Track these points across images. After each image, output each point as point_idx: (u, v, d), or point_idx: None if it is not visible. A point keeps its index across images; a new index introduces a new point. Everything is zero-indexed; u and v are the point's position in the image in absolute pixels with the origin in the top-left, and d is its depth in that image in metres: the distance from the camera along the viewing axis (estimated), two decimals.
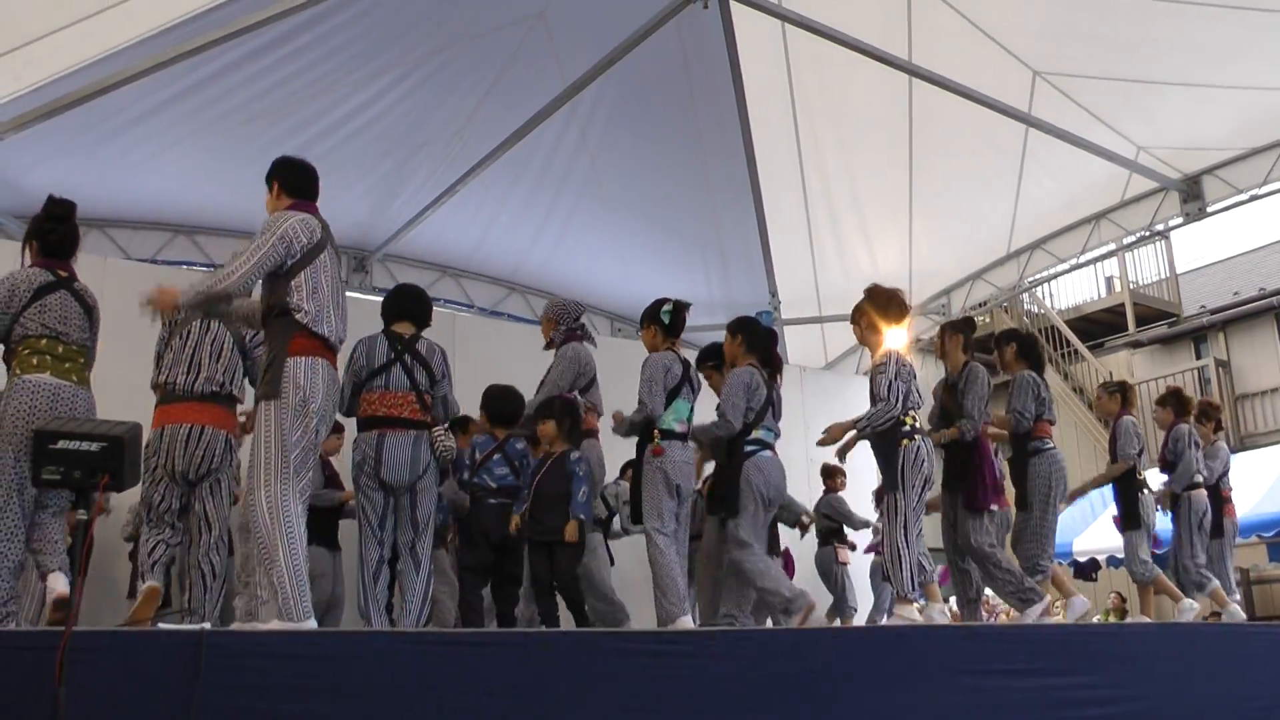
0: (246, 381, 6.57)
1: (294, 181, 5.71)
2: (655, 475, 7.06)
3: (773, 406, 7.35)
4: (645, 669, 5.23)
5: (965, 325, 8.55)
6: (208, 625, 5.24)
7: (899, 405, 7.10)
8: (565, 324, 8.29)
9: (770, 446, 7.30)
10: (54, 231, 6.04)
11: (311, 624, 5.08)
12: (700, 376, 7.62)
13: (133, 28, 8.85)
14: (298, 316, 5.26)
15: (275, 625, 4.99)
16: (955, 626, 6.93)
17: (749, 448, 7.20)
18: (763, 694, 5.49)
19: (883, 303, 7.44)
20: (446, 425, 7.01)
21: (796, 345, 14.71)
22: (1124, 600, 16.13)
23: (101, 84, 9.04)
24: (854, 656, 6.03)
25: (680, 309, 7.53)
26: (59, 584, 5.63)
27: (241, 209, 11.71)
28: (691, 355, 7.81)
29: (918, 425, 7.21)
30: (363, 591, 6.60)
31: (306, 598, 5.05)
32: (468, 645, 5.06)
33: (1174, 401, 9.80)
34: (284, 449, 5.13)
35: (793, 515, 9.86)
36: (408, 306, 6.98)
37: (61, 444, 4.31)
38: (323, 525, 8.77)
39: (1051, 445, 8.30)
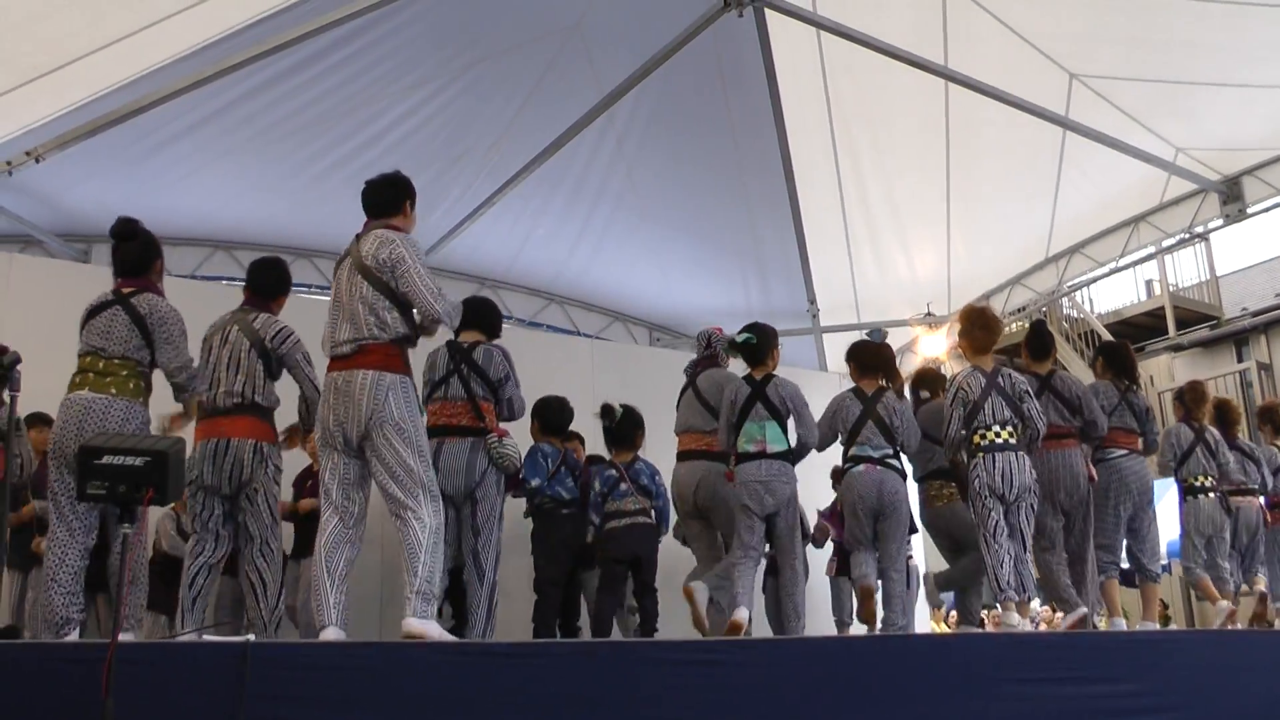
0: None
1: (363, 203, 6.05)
2: (731, 498, 7.39)
3: (876, 421, 7.58)
4: (688, 678, 5.23)
5: (1026, 339, 8.62)
6: (252, 637, 5.27)
7: (952, 433, 7.47)
8: (698, 353, 8.52)
9: (866, 460, 7.56)
10: (118, 250, 6.13)
11: (332, 634, 5.33)
12: (786, 395, 7.57)
13: (171, 46, 8.93)
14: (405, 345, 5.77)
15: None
16: (997, 634, 6.90)
17: (845, 465, 7.63)
18: (804, 702, 5.48)
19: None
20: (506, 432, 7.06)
21: (836, 353, 14.64)
22: (1167, 607, 16.01)
23: (141, 102, 9.14)
24: (895, 664, 6.02)
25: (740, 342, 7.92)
26: None
27: (280, 223, 11.80)
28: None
29: (997, 441, 7.32)
30: None
31: (323, 608, 5.39)
32: (511, 656, 5.07)
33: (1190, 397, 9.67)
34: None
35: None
36: (470, 316, 7.02)
37: (106, 459, 4.33)
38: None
39: (1115, 454, 8.33)
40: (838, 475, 8.59)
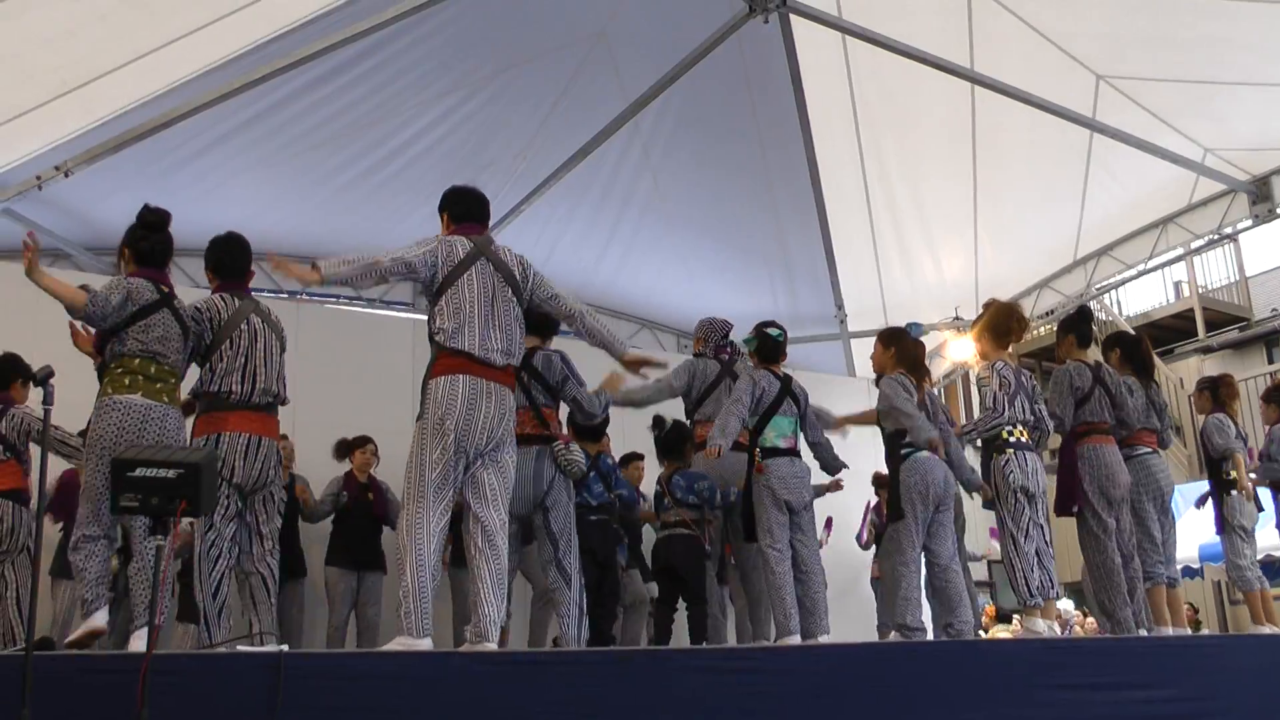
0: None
1: (457, 209, 6.08)
2: (762, 492, 7.24)
3: (926, 410, 7.33)
4: (726, 686, 5.22)
5: (1075, 323, 8.43)
6: (285, 647, 5.27)
7: (1004, 415, 7.31)
8: (713, 342, 8.43)
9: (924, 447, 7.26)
10: (146, 239, 6.05)
11: (427, 643, 5.17)
12: (802, 392, 7.60)
13: (197, 60, 8.99)
14: (438, 338, 5.57)
15: (396, 643, 5.14)
16: (1031, 640, 6.85)
17: (903, 450, 7.23)
18: (842, 709, 5.46)
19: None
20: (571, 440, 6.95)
21: (864, 358, 14.61)
22: (1196, 611, 15.90)
23: (168, 116, 9.21)
24: (930, 670, 6.00)
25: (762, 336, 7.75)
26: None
27: (308, 234, 11.81)
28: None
29: (1023, 439, 7.31)
30: None
31: (425, 616, 5.20)
32: (548, 664, 5.08)
33: (1277, 398, 9.35)
34: (421, 469, 5.39)
35: None
36: (526, 319, 6.65)
37: (139, 471, 4.33)
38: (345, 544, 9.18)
39: (1142, 452, 8.21)
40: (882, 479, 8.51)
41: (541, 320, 6.85)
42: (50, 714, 4.02)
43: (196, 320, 6.12)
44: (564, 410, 7.11)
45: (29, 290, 8.89)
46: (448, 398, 5.43)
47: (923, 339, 8.01)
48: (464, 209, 6.03)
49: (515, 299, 5.84)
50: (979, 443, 7.63)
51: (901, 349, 7.55)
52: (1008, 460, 7.21)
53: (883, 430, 7.44)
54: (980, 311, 7.90)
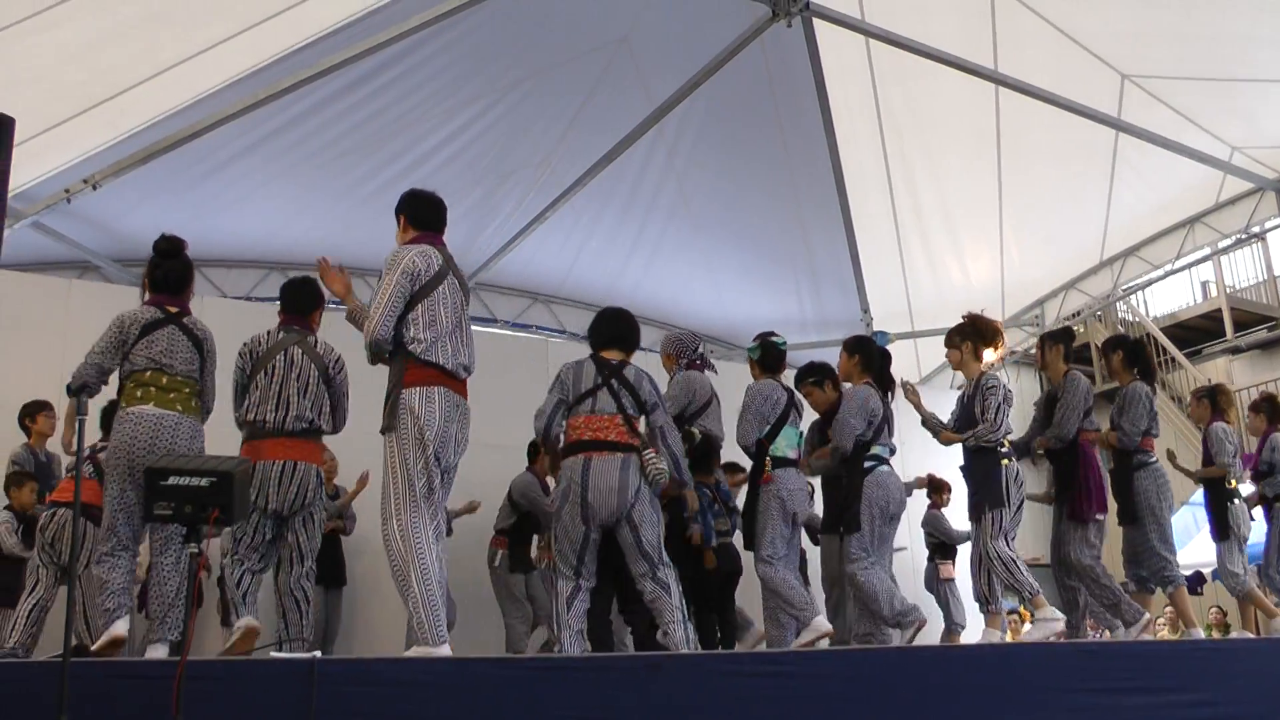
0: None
1: (419, 214, 5.92)
2: (771, 502, 7.19)
3: (888, 423, 7.39)
4: (752, 689, 5.20)
5: (1064, 335, 8.49)
6: (319, 654, 5.28)
7: (1002, 427, 7.29)
8: (686, 357, 8.20)
9: (887, 462, 7.37)
10: (159, 268, 6.12)
11: (445, 650, 5.17)
12: (804, 403, 7.65)
13: (222, 72, 9.07)
14: (411, 348, 5.46)
15: (415, 651, 5.14)
16: (1065, 644, 6.83)
17: (867, 464, 7.26)
18: (873, 713, 5.45)
19: (988, 335, 7.66)
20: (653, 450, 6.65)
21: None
22: (1225, 615, 15.78)
23: (194, 128, 9.26)
24: (961, 674, 5.97)
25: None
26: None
27: (334, 244, 11.83)
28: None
29: (1012, 446, 7.45)
30: (555, 617, 6.40)
31: (439, 624, 5.20)
32: (580, 669, 5.07)
33: (1268, 408, 9.39)
34: (409, 479, 5.33)
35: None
36: (614, 332, 6.75)
37: (172, 480, 4.35)
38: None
39: (1155, 459, 8.19)
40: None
41: (627, 333, 6.78)
42: None
43: (240, 355, 6.37)
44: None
45: (60, 302, 9.02)
46: (426, 411, 5.40)
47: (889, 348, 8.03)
48: (427, 216, 5.94)
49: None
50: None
51: (866, 357, 7.64)
52: (1017, 469, 7.32)
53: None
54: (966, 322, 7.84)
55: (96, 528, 6.34)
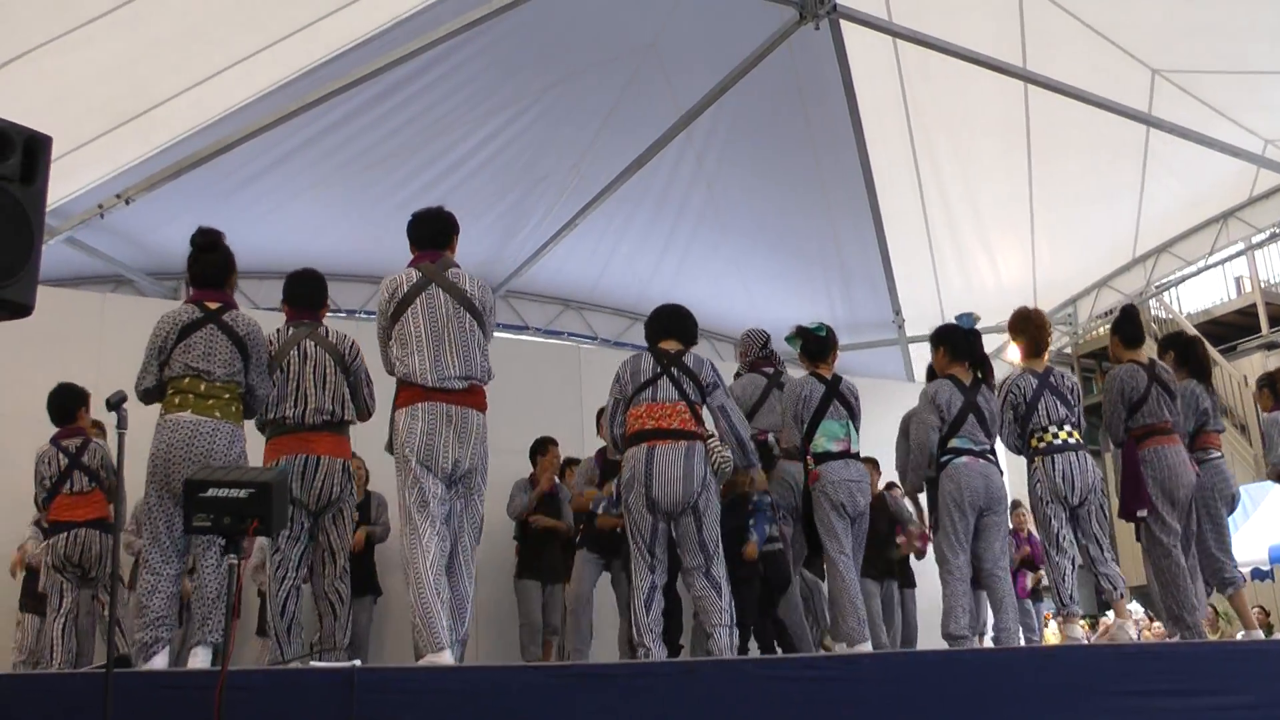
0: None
1: (412, 233, 6.10)
2: (819, 499, 7.07)
3: (974, 411, 7.08)
4: (792, 694, 5.19)
5: (1119, 323, 8.00)
6: (358, 662, 5.30)
7: (1003, 432, 7.22)
8: (751, 355, 8.26)
9: (968, 453, 7.02)
10: (197, 262, 6.07)
11: (446, 655, 5.24)
12: (852, 392, 7.37)
13: (252, 85, 9.11)
14: (394, 370, 5.78)
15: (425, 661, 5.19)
16: (1104, 646, 6.77)
17: (943, 457, 7.05)
18: (911, 717, 5.43)
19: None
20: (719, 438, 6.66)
21: (924, 362, 14.53)
22: (1268, 614, 15.64)
23: (225, 141, 9.33)
24: (1002, 677, 5.94)
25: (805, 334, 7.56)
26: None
27: (366, 254, 11.91)
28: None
29: (1055, 442, 7.06)
30: (635, 621, 6.30)
31: (438, 631, 5.28)
32: (615, 676, 5.07)
33: (1270, 383, 8.91)
34: (402, 494, 5.61)
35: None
36: (671, 325, 6.70)
37: (211, 491, 4.38)
38: None
39: (1216, 455, 7.93)
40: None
41: (682, 325, 6.72)
42: None
43: None
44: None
45: (95, 318, 9.07)
46: (406, 430, 5.59)
47: (976, 327, 7.64)
48: (418, 233, 6.07)
49: (475, 321, 5.86)
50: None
51: (952, 347, 7.38)
52: (1035, 468, 7.08)
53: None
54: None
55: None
